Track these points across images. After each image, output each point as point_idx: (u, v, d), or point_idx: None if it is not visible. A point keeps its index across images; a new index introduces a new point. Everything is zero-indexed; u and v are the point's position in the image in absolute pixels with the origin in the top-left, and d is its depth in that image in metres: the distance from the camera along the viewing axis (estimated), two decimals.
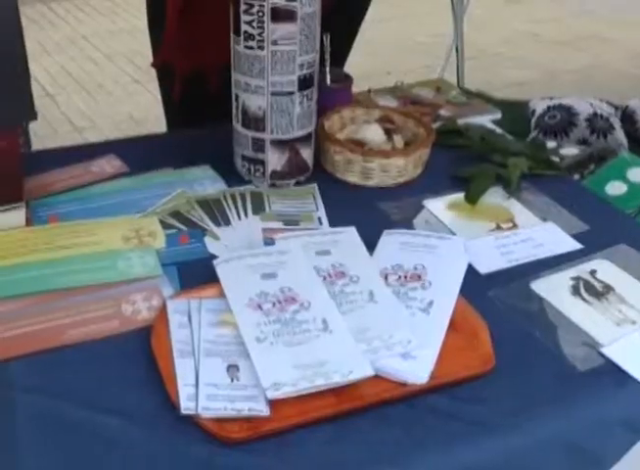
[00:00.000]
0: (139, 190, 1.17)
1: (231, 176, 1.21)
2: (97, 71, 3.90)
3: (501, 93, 1.73)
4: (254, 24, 1.06)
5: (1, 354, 0.84)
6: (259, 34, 1.06)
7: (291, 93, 1.11)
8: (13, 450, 0.74)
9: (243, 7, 1.05)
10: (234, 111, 1.16)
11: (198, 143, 1.31)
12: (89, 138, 3.17)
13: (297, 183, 1.20)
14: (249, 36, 1.07)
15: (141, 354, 0.85)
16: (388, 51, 4.14)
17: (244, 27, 1.07)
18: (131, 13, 4.71)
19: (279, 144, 1.15)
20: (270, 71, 1.09)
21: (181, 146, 1.31)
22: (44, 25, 4.64)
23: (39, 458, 0.73)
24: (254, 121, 1.13)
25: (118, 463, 0.73)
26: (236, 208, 1.12)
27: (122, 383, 0.81)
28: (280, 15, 1.05)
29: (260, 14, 1.05)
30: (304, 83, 1.12)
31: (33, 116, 1.15)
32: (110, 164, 1.25)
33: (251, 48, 1.08)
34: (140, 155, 1.28)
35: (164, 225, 1.07)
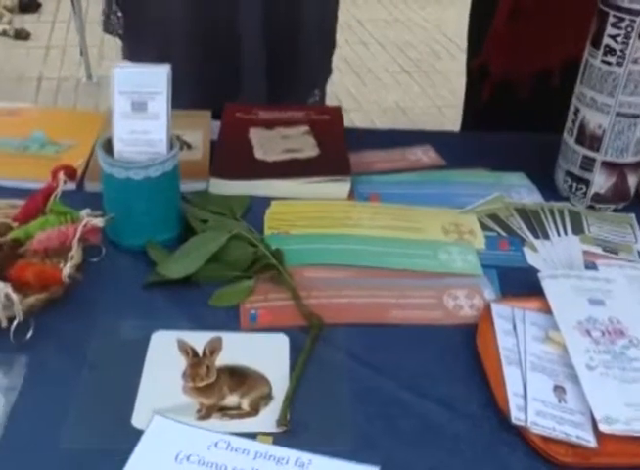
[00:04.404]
0: (455, 185, 1.17)
1: (544, 189, 1.19)
2: (369, 57, 4.01)
3: None
4: (619, 39, 1.02)
5: (331, 318, 0.88)
6: (621, 51, 1.02)
7: (636, 116, 1.06)
8: (341, 412, 0.78)
9: (611, 19, 1.02)
10: (569, 124, 1.13)
11: (510, 148, 1.30)
12: (354, 120, 3.27)
13: (614, 210, 1.16)
14: (609, 51, 1.04)
15: (464, 351, 0.85)
16: None
17: (606, 41, 1.04)
18: (409, 5, 4.79)
19: (609, 166, 1.10)
20: (622, 90, 1.05)
21: (494, 148, 1.30)
22: None
23: (361, 425, 0.76)
24: (590, 139, 1.09)
25: (443, 452, 0.74)
26: (554, 223, 1.09)
27: (446, 374, 0.83)
28: None
29: (629, 29, 1.01)
30: None
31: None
32: (426, 154, 1.27)
33: (609, 63, 1.04)
34: (453, 150, 1.29)
35: (482, 226, 1.08)
